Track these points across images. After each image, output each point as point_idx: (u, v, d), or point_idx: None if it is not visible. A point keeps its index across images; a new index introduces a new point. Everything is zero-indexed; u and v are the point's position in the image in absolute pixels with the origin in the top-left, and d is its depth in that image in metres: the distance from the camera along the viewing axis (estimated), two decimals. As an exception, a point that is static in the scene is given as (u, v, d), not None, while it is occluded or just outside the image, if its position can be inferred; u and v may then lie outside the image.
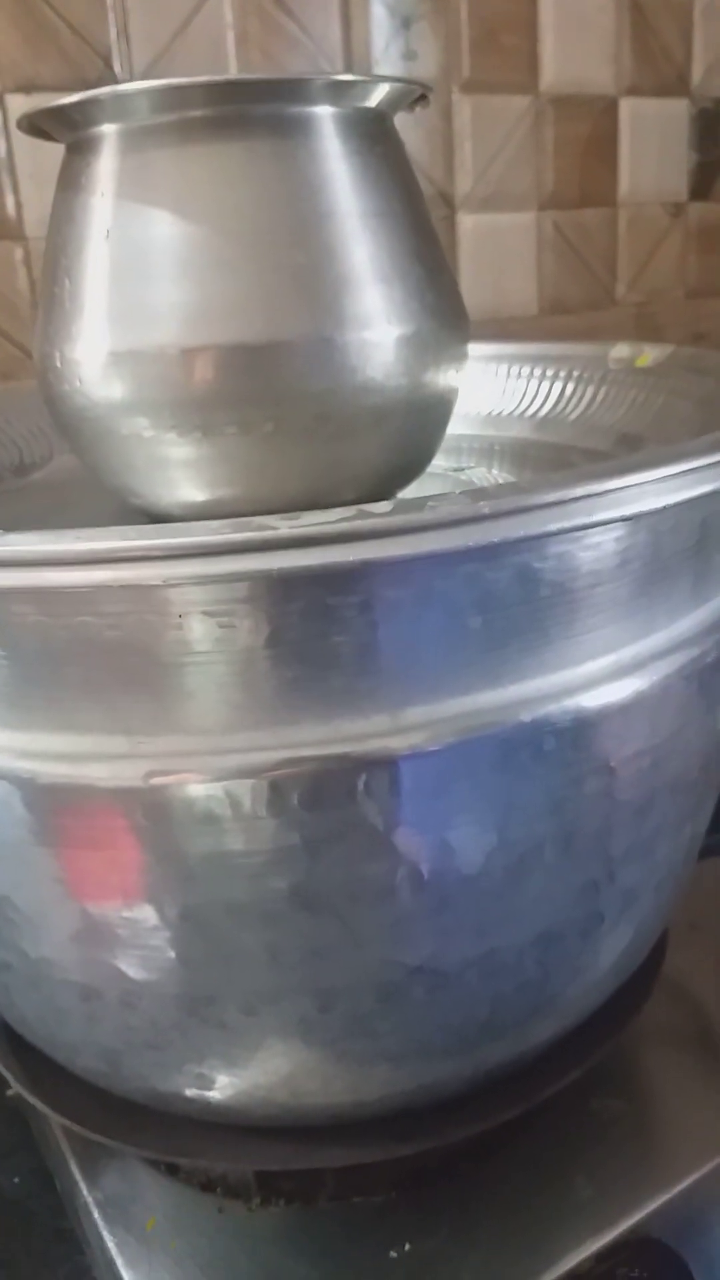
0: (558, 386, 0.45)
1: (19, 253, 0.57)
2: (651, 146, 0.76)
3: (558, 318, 0.74)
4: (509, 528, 0.22)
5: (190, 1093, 0.31)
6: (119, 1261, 0.34)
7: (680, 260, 0.80)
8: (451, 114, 0.67)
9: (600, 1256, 0.34)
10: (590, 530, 0.24)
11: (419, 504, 0.21)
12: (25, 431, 0.44)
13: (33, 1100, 0.35)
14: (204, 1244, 0.35)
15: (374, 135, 0.32)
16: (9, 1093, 0.51)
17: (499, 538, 0.22)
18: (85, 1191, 0.37)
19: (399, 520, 0.21)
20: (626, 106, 0.74)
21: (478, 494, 0.22)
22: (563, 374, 0.45)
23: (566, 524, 0.22)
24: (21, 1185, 0.47)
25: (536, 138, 0.71)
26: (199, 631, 0.23)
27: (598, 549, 0.25)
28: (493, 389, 0.47)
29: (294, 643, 0.23)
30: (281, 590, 0.22)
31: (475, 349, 0.39)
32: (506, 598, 0.24)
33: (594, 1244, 0.34)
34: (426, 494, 0.39)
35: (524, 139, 0.70)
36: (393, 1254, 0.34)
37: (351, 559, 0.21)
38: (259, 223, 0.30)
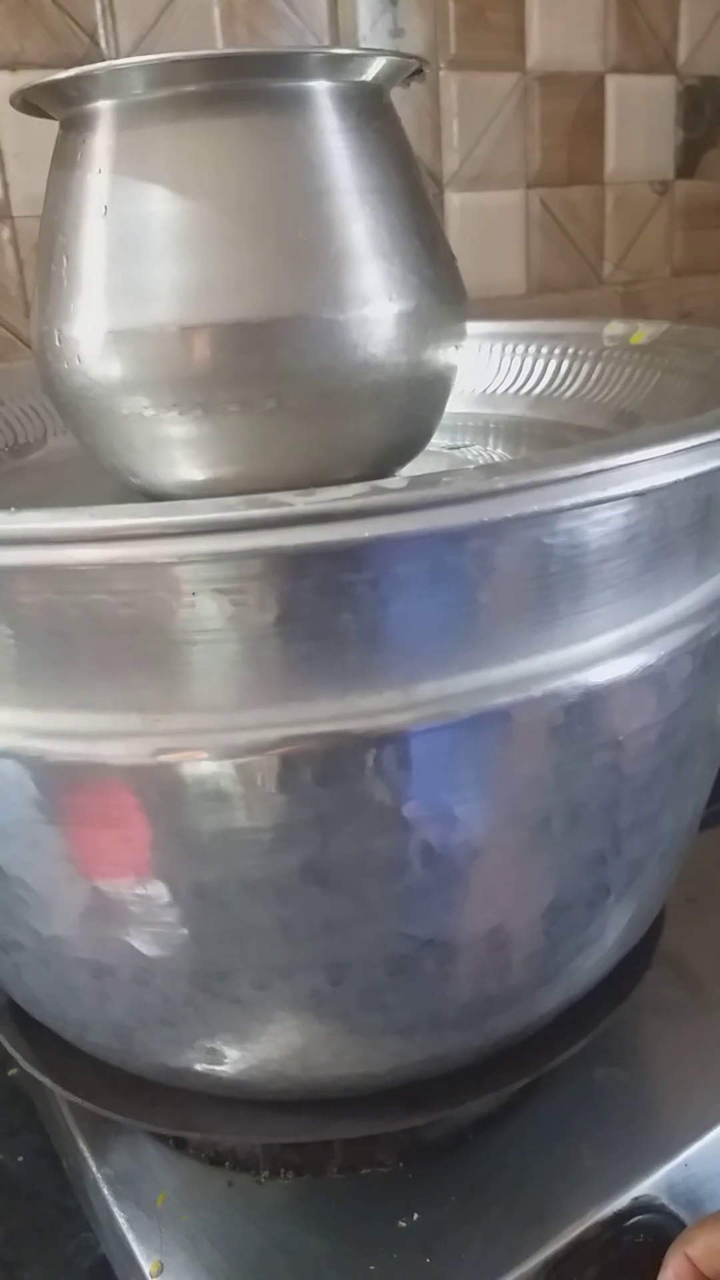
0: (553, 364, 0.45)
1: (6, 232, 0.56)
2: (638, 124, 0.76)
3: (546, 297, 0.74)
4: (522, 503, 0.22)
5: (201, 1067, 0.31)
6: (130, 1237, 0.35)
7: (667, 239, 0.80)
8: (439, 91, 0.67)
9: (605, 1223, 0.35)
10: (599, 507, 0.24)
11: (433, 479, 0.21)
12: (19, 412, 0.44)
13: (41, 1078, 0.35)
14: (214, 1218, 0.35)
15: (371, 110, 0.32)
16: (11, 1072, 0.51)
17: (513, 513, 0.22)
18: (94, 1168, 0.37)
19: (414, 496, 0.21)
20: (613, 84, 0.74)
21: (491, 469, 0.22)
22: (557, 351, 0.45)
23: (579, 499, 0.22)
24: (26, 1164, 0.47)
25: (523, 115, 0.70)
26: (211, 609, 0.23)
27: (606, 524, 0.25)
28: (488, 367, 0.47)
29: (306, 619, 0.23)
30: (294, 567, 0.23)
31: (470, 327, 0.39)
32: (517, 574, 0.25)
33: (599, 1211, 0.35)
34: (430, 471, 0.39)
35: (511, 116, 0.70)
36: (401, 1224, 0.35)
37: (366, 535, 0.21)
38: (257, 199, 0.30)
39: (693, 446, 0.24)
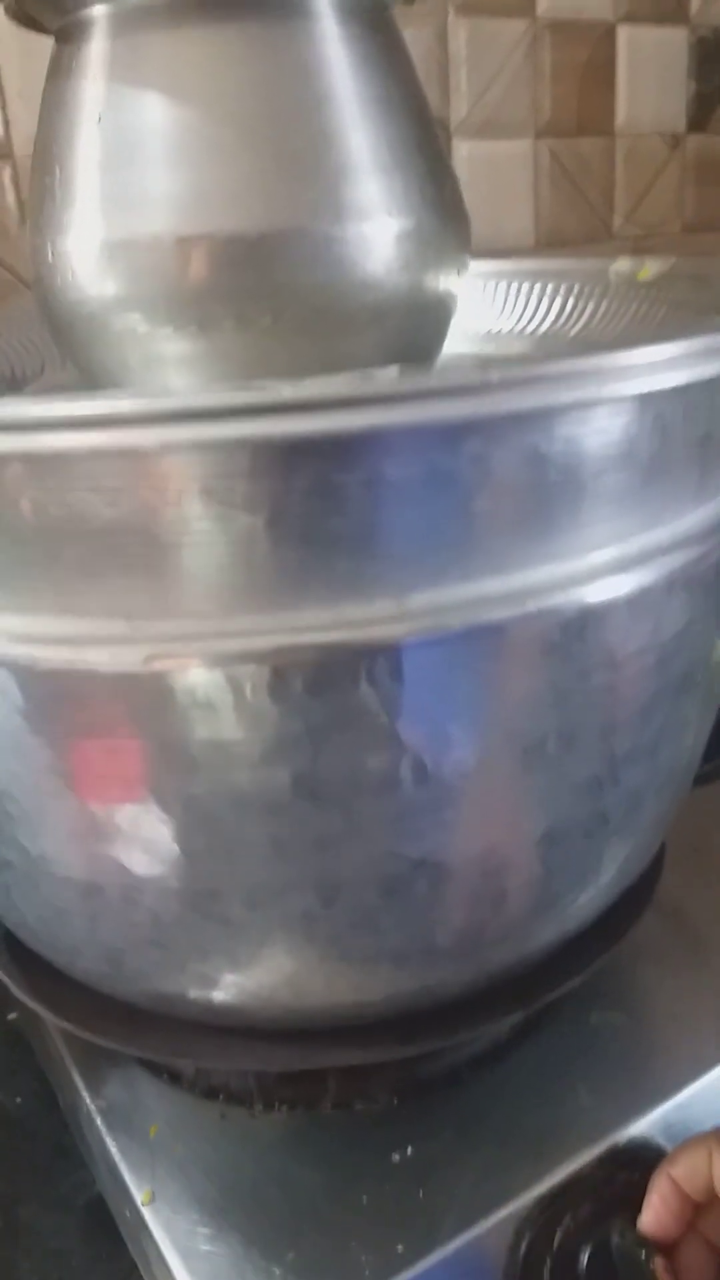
0: (558, 303, 0.44)
1: (8, 172, 0.56)
2: (650, 75, 0.74)
3: (555, 249, 0.73)
4: (516, 399, 0.21)
5: (194, 994, 0.31)
6: (122, 1167, 0.35)
7: (678, 193, 0.79)
8: (447, 37, 0.66)
9: (600, 1161, 0.34)
10: (598, 413, 0.24)
11: (426, 370, 0.21)
12: (18, 345, 0.43)
13: (33, 1005, 0.35)
14: (207, 1149, 0.35)
15: (373, 23, 0.31)
16: (10, 1016, 0.51)
17: (506, 409, 0.21)
18: (88, 1100, 0.37)
19: (405, 386, 0.20)
20: (624, 33, 0.73)
21: (486, 364, 0.21)
22: (563, 289, 0.44)
23: (575, 397, 0.22)
24: (24, 1105, 0.48)
25: (533, 63, 0.69)
26: (198, 509, 0.22)
27: (605, 434, 0.24)
28: (492, 306, 0.46)
29: (297, 522, 0.23)
30: (283, 463, 0.22)
31: (473, 266, 0.38)
32: (513, 481, 0.24)
33: (594, 1149, 0.34)
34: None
35: (520, 64, 0.69)
36: (395, 1157, 0.34)
37: (356, 425, 0.20)
38: (254, 107, 0.29)
39: (691, 352, 0.23)
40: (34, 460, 0.22)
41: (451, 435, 0.22)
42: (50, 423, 0.20)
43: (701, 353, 0.24)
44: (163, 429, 0.20)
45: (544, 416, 0.23)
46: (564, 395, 0.22)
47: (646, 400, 0.24)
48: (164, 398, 0.20)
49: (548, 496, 0.25)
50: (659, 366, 0.23)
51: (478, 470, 0.23)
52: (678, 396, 0.25)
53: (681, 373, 0.23)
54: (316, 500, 0.23)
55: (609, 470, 0.25)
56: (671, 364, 0.23)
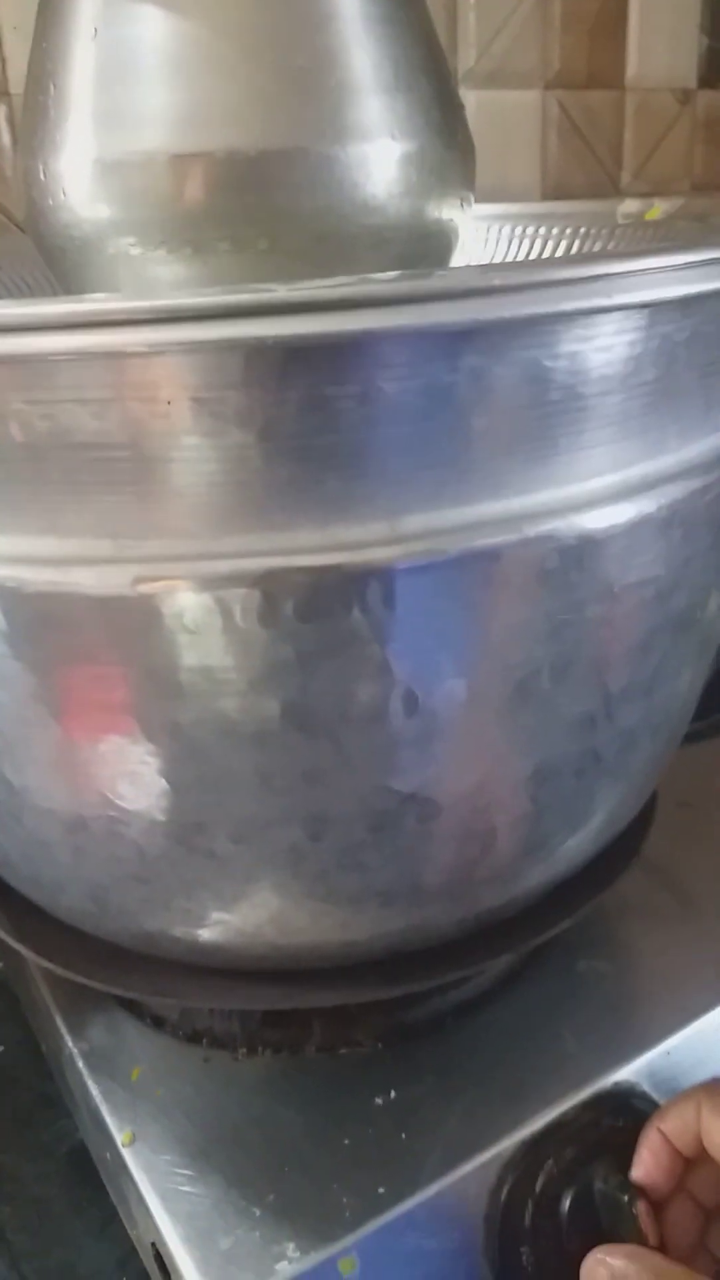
0: (563, 245, 0.43)
1: (3, 109, 0.54)
2: (662, 28, 0.73)
3: (560, 205, 0.72)
4: (519, 303, 0.20)
5: (178, 931, 0.30)
6: (104, 1109, 0.34)
7: (688, 151, 0.77)
8: (455, -18, 0.64)
9: (585, 1106, 0.34)
10: (603, 327, 0.23)
11: (426, 273, 0.20)
12: (8, 283, 0.42)
13: (16, 945, 0.34)
14: (190, 1092, 0.35)
15: (378, -60, 0.30)
16: (-5, 966, 0.51)
17: (509, 313, 0.20)
18: (71, 1044, 0.37)
19: (404, 287, 0.20)
20: (637, -17, 0.71)
21: (488, 267, 0.20)
22: (569, 232, 0.43)
23: (579, 304, 0.21)
24: (8, 1054, 0.47)
25: (543, 11, 0.68)
26: (188, 421, 0.22)
27: (610, 352, 0.24)
28: (496, 251, 0.45)
29: (289, 438, 0.22)
30: (276, 373, 0.21)
31: (478, 209, 0.37)
32: (514, 398, 0.23)
33: (579, 1094, 0.34)
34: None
35: (530, 12, 0.67)
36: (378, 1101, 0.34)
37: (353, 328, 0.20)
38: (256, 21, 0.28)
39: (700, 261, 0.22)
40: (18, 365, 0.21)
41: (450, 345, 0.22)
42: (34, 323, 0.20)
43: (710, 264, 0.23)
44: (150, 330, 0.19)
45: (546, 327, 0.22)
46: (568, 302, 0.21)
47: (652, 319, 0.23)
48: (152, 298, 0.19)
49: (548, 416, 0.24)
50: (666, 276, 0.22)
51: (476, 385, 0.23)
52: (684, 318, 0.24)
53: (688, 285, 0.22)
54: (309, 414, 0.22)
55: (612, 392, 0.24)
56: (679, 275, 0.22)
